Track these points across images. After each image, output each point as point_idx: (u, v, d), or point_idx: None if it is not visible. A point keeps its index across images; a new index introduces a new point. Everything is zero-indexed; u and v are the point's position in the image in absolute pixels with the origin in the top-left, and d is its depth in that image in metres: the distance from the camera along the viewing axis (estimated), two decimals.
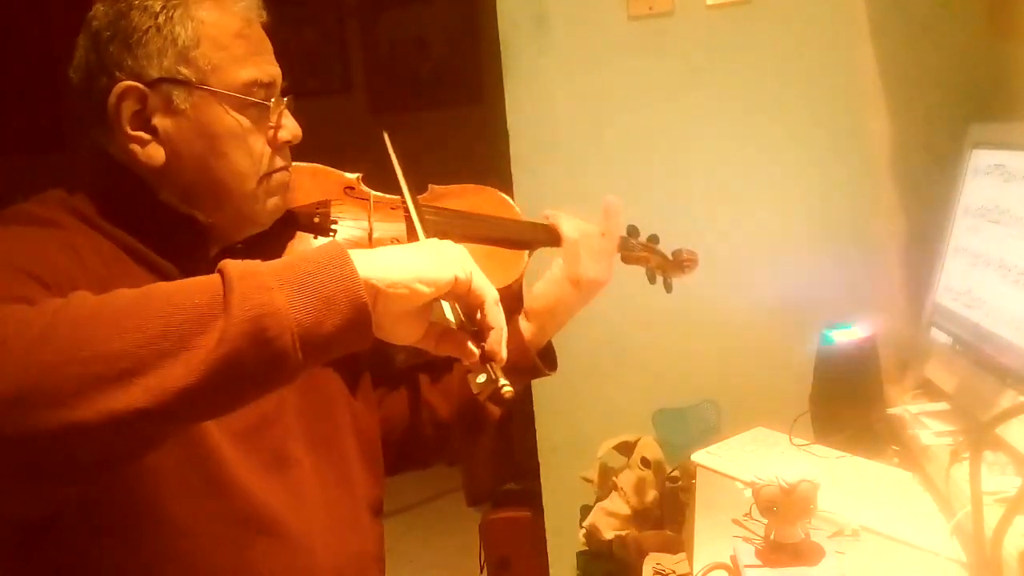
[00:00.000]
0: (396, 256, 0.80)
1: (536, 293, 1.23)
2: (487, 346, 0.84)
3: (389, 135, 1.23)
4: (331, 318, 0.72)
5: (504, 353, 0.84)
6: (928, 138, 1.77)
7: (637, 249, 1.36)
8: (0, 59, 4.28)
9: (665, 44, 1.85)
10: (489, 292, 0.83)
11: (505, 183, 1.97)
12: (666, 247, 1.39)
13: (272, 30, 1.06)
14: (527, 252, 1.24)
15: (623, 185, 1.89)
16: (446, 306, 0.86)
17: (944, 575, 1.04)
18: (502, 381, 0.83)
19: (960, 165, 1.47)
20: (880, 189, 1.83)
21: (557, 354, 1.30)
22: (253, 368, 0.69)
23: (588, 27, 1.87)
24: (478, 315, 0.84)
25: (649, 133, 1.88)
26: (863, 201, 1.84)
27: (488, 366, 0.84)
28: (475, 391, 0.86)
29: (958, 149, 1.49)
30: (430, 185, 1.24)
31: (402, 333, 0.83)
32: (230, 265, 0.72)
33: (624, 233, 1.33)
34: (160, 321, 0.68)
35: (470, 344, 0.85)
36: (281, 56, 1.05)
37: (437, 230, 1.10)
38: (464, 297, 0.83)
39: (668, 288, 1.39)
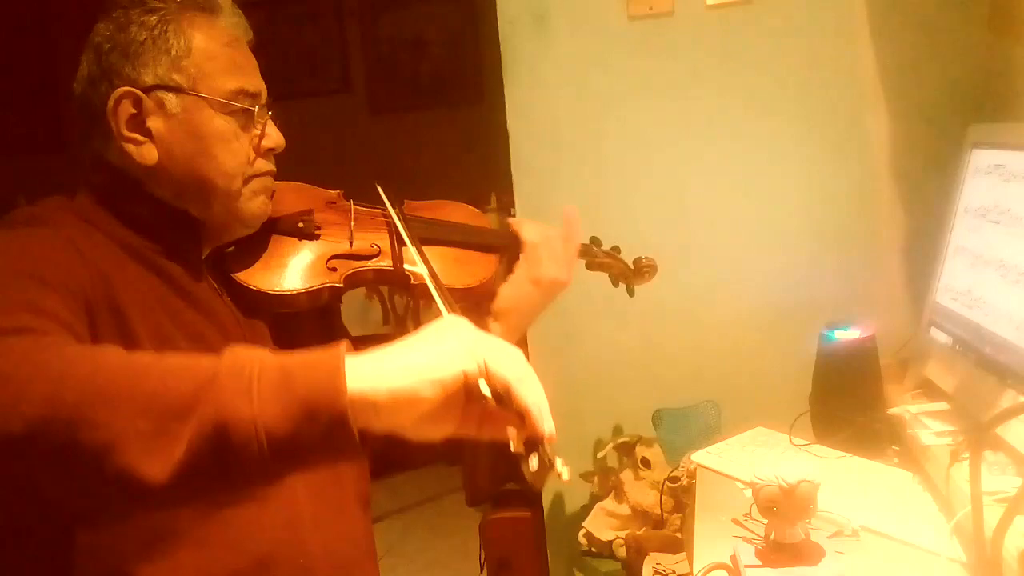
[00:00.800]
0: (397, 360, 0.75)
1: (501, 294, 1.29)
2: (528, 427, 0.75)
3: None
4: (309, 430, 0.70)
5: (549, 429, 0.75)
6: (928, 138, 1.77)
7: (600, 256, 1.45)
8: (0, 60, 4.28)
9: (665, 44, 1.85)
10: (512, 372, 0.75)
11: (505, 183, 1.97)
12: (628, 255, 1.47)
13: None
14: (497, 256, 1.31)
15: (623, 184, 1.89)
16: (483, 383, 0.77)
17: (944, 575, 1.04)
18: (558, 463, 0.74)
19: (960, 165, 1.47)
20: (880, 189, 1.83)
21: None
22: (219, 471, 0.69)
23: (588, 27, 1.87)
24: (511, 396, 0.76)
25: (649, 133, 1.88)
26: (863, 201, 1.84)
27: (539, 448, 0.75)
28: (530, 481, 0.76)
29: (958, 149, 1.48)
30: (406, 200, 1.30)
31: (431, 432, 0.78)
32: (229, 355, 0.73)
33: (586, 241, 1.42)
34: (151, 399, 0.69)
35: (511, 429, 0.77)
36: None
37: (417, 236, 1.19)
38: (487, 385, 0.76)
39: (630, 293, 1.48)
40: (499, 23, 1.89)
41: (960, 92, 1.75)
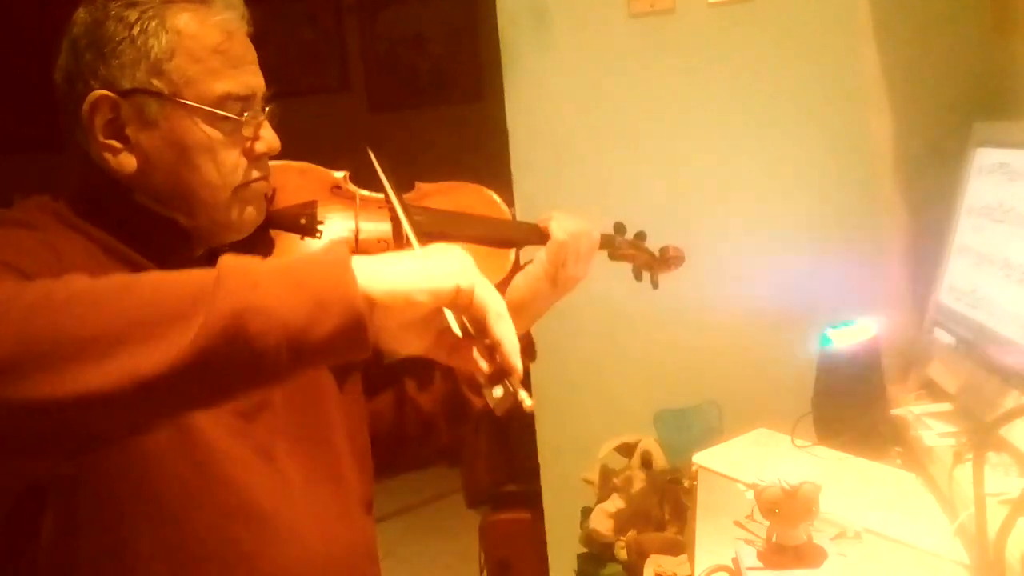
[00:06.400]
0: (397, 264, 0.76)
1: (513, 286, 1.23)
2: (500, 360, 0.78)
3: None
4: (324, 323, 0.69)
5: (519, 365, 0.78)
6: (931, 137, 1.77)
7: (624, 247, 1.37)
8: (0, 59, 4.28)
9: (666, 42, 1.85)
10: (492, 304, 0.78)
11: (505, 182, 1.96)
12: (654, 244, 1.39)
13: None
14: (513, 251, 1.24)
15: (623, 183, 1.88)
16: (450, 316, 0.80)
17: None
18: (521, 394, 0.78)
19: (964, 164, 1.46)
20: (883, 188, 1.82)
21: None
22: (232, 364, 0.67)
23: (589, 24, 1.86)
24: (487, 327, 0.79)
25: (650, 131, 1.88)
26: (866, 200, 1.83)
27: (505, 381, 0.79)
28: (492, 406, 0.80)
29: (962, 148, 1.48)
30: (416, 183, 1.24)
31: (407, 343, 0.80)
32: (228, 260, 0.71)
33: (609, 228, 1.33)
34: (143, 307, 0.68)
35: (480, 358, 0.80)
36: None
37: (423, 231, 1.10)
38: (467, 309, 0.78)
39: (655, 284, 1.40)
40: (499, 20, 1.89)
41: (964, 90, 1.75)
